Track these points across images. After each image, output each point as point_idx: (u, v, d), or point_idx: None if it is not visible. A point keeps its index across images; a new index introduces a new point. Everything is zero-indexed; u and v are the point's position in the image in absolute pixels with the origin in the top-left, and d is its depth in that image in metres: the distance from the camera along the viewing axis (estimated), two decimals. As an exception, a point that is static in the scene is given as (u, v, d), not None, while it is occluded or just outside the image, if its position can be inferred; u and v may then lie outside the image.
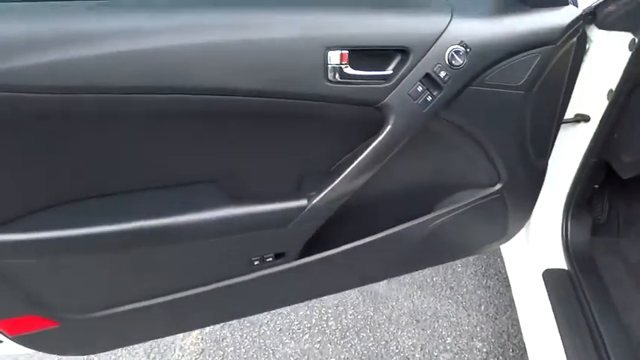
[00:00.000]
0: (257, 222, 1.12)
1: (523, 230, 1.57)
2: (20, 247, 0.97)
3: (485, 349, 1.80)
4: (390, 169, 1.13)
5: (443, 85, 1.00)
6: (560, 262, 1.56)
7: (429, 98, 1.01)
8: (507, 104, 1.11)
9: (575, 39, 1.10)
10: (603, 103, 1.40)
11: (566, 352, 1.36)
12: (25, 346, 1.16)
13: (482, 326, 1.89)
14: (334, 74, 0.95)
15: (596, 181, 1.55)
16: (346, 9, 0.97)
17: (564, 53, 1.13)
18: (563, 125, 1.44)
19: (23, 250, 0.98)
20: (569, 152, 1.54)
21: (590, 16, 1.31)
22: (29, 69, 0.78)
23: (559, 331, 1.42)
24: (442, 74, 0.99)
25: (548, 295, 1.51)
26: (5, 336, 1.12)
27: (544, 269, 1.57)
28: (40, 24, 0.80)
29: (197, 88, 0.88)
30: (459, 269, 2.15)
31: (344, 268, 1.34)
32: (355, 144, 1.14)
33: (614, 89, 1.36)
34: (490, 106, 1.11)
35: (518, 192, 1.34)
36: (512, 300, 2.02)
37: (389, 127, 1.03)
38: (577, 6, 1.17)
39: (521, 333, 1.87)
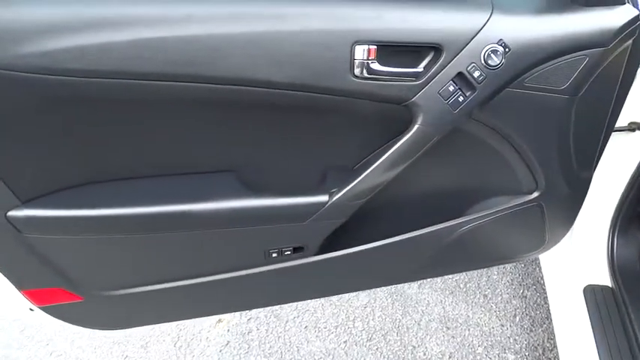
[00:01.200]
0: (276, 215, 1.11)
1: (565, 242, 1.49)
2: (49, 223, 1.00)
3: (517, 363, 1.73)
4: (418, 169, 1.09)
5: (477, 85, 0.95)
6: (604, 279, 1.47)
7: (461, 99, 0.97)
8: (548, 109, 1.04)
9: (630, 41, 1.01)
10: (662, 111, 1.30)
11: None
12: (53, 316, 1.20)
13: (516, 338, 1.81)
14: (361, 70, 0.92)
15: None
16: (377, 2, 0.93)
17: (617, 56, 1.04)
18: (614, 134, 1.34)
19: (51, 226, 1.01)
20: (620, 163, 1.44)
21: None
22: (60, 52, 0.80)
23: (597, 350, 1.34)
24: (476, 74, 0.94)
25: (588, 311, 1.43)
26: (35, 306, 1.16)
27: (585, 284, 1.48)
28: (71, 8, 0.81)
29: (223, 78, 0.88)
30: (495, 277, 2.07)
31: (365, 267, 1.31)
32: (381, 142, 1.10)
33: (674, 97, 1.25)
34: (529, 110, 1.05)
35: (558, 202, 1.26)
36: (550, 313, 1.93)
37: (416, 126, 0.99)
38: (638, 7, 1.08)
39: (556, 348, 1.79)
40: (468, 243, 1.31)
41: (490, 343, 1.79)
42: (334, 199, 1.10)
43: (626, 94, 1.21)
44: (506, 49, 0.94)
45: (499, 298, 1.97)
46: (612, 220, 1.49)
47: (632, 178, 1.42)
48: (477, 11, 0.94)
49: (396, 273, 1.39)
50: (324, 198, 1.11)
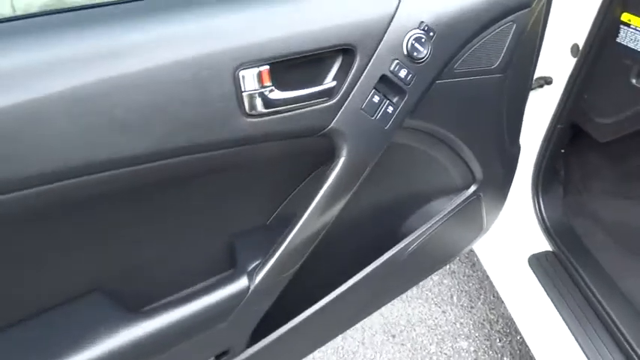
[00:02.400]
0: (182, 330, 0.78)
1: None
2: None
3: (472, 348, 1.63)
4: (349, 200, 0.85)
5: (406, 87, 0.72)
6: (543, 244, 1.40)
7: (391, 109, 0.73)
8: (483, 93, 0.86)
9: None
10: (568, 62, 1.20)
11: (573, 334, 1.22)
12: None
13: (462, 321, 1.71)
14: (253, 104, 0.63)
15: (563, 147, 1.38)
16: (253, 3, 0.64)
17: (537, 15, 0.88)
18: None
19: None
20: (532, 121, 1.34)
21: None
22: None
23: (561, 316, 1.26)
24: (403, 73, 0.71)
25: (540, 281, 1.35)
26: None
27: (529, 255, 1.39)
28: None
29: (37, 176, 0.55)
30: (418, 260, 1.95)
31: (311, 333, 1.05)
32: (297, 183, 0.83)
33: (580, 44, 1.15)
34: (462, 101, 0.85)
35: (494, 185, 1.12)
36: (481, 280, 1.87)
37: (342, 159, 0.73)
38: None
39: (502, 318, 1.73)
40: (419, 258, 1.11)
41: (440, 336, 1.66)
42: (258, 279, 0.80)
43: (539, 52, 1.07)
44: (431, 34, 0.72)
45: (430, 283, 1.85)
46: (533, 181, 1.41)
47: (547, 134, 1.33)
48: None
49: (345, 322, 1.14)
50: (243, 282, 0.81)
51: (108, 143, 0.57)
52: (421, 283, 1.84)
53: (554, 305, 1.29)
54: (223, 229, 0.81)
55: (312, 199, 0.75)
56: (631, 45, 1.06)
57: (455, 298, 1.79)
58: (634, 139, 1.32)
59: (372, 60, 0.69)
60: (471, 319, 1.72)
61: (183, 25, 0.59)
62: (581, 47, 1.15)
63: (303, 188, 0.84)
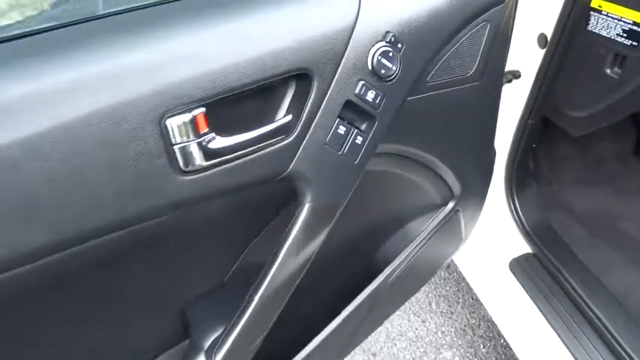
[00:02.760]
0: None
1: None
2: None
3: (456, 358, 1.55)
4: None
5: (375, 112, 0.61)
6: (522, 246, 1.32)
7: (359, 139, 0.61)
8: (458, 106, 0.75)
9: None
10: (536, 54, 1.12)
11: (560, 336, 1.16)
12: None
13: (443, 329, 1.63)
14: (189, 158, 0.50)
15: (535, 142, 1.31)
16: (176, 31, 0.50)
17: (510, 9, 0.78)
18: None
19: None
20: (502, 118, 1.26)
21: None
22: None
23: (547, 319, 1.19)
24: (370, 95, 0.60)
25: (523, 286, 1.27)
26: None
27: (509, 259, 1.31)
28: None
29: None
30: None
31: None
32: (257, 234, 0.71)
33: (549, 34, 1.07)
34: (436, 116, 0.74)
35: (472, 196, 1.03)
36: (458, 282, 1.79)
37: (307, 205, 0.61)
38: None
39: (483, 321, 1.66)
40: (402, 282, 1.01)
41: (422, 349, 1.58)
42: (219, 358, 0.66)
43: (509, 46, 0.98)
44: (399, 45, 0.60)
45: (407, 291, 1.76)
46: (507, 180, 1.33)
47: (517, 131, 1.25)
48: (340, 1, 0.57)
49: (334, 358, 1.03)
50: None
51: (13, 234, 0.43)
52: (397, 293, 1.75)
53: (539, 309, 1.22)
54: (173, 299, 0.68)
55: (277, 253, 0.62)
56: (603, 32, 0.98)
57: (434, 304, 1.71)
58: (604, 127, 1.27)
59: (332, 84, 0.57)
60: (452, 326, 1.64)
61: (87, 65, 0.45)
62: (549, 38, 1.06)
63: (262, 239, 0.71)
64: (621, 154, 1.70)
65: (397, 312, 1.69)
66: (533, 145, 1.32)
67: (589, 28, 1.00)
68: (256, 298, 0.63)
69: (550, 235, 1.32)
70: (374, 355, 1.57)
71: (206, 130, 0.49)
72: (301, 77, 0.56)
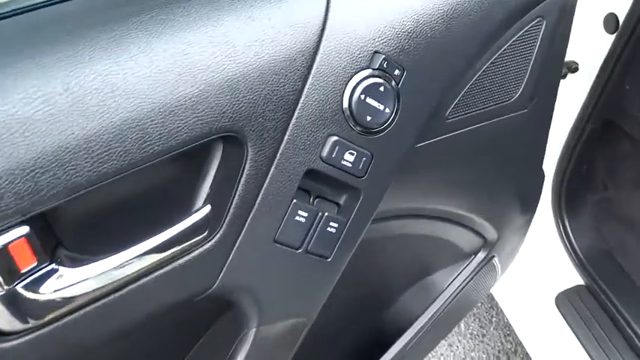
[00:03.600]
0: None
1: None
2: None
3: (488, 392, 1.34)
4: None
5: (358, 182, 0.39)
6: (573, 277, 1.08)
7: (333, 226, 0.39)
8: (496, 143, 0.52)
9: None
10: (602, 40, 0.85)
11: None
12: None
13: (472, 355, 1.41)
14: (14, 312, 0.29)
15: (592, 151, 1.04)
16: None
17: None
18: None
19: None
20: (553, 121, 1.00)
21: None
22: None
23: None
24: (349, 158, 0.37)
25: (571, 326, 1.04)
26: None
27: (556, 294, 1.07)
28: None
29: None
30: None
31: None
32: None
33: (620, 15, 0.80)
34: (461, 163, 0.51)
35: (511, 236, 0.79)
36: (491, 298, 1.56)
37: (252, 332, 0.40)
38: None
39: (520, 347, 1.43)
40: (430, 335, 0.80)
41: (448, 380, 1.37)
42: None
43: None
44: (397, 72, 0.37)
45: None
46: (555, 203, 1.08)
47: (570, 139, 0.99)
48: (294, 7, 0.34)
49: None
50: None
51: None
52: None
53: (589, 354, 0.99)
54: None
55: None
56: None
57: (462, 325, 1.49)
58: None
59: (281, 148, 0.34)
60: (483, 352, 1.42)
61: None
62: (621, 20, 0.79)
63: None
64: None
65: (420, 334, 1.48)
66: (593, 153, 1.05)
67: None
68: None
69: (606, 261, 1.07)
70: (392, 385, 1.37)
71: (33, 264, 0.28)
72: (229, 141, 0.33)
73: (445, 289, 0.71)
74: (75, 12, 0.31)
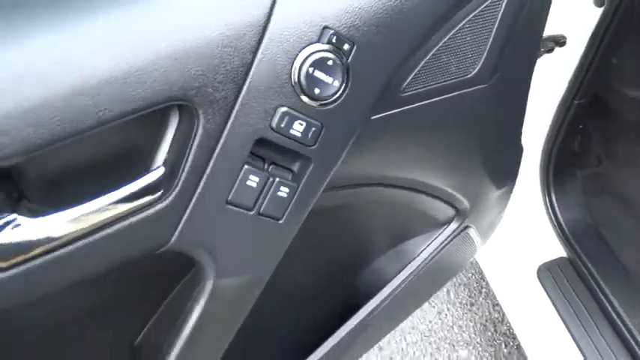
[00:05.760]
0: None
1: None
2: None
3: (473, 358, 1.38)
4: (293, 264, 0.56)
5: (307, 150, 0.41)
6: (556, 250, 1.10)
7: (284, 191, 0.41)
8: (455, 117, 0.53)
9: None
10: (589, 13, 0.84)
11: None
12: None
13: (460, 323, 1.46)
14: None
15: (581, 125, 1.05)
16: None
17: None
18: None
19: None
20: (539, 97, 1.00)
21: None
22: None
23: (575, 340, 1.00)
24: (298, 128, 0.39)
25: (551, 298, 1.07)
26: None
27: (538, 265, 1.10)
28: None
29: None
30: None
31: None
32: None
33: (609, -12, 0.79)
34: (421, 133, 0.53)
35: (488, 208, 0.81)
36: (482, 270, 1.59)
37: (208, 285, 0.43)
38: None
39: (506, 316, 1.47)
40: (402, 301, 0.84)
41: (435, 345, 1.42)
42: None
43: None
44: (346, 47, 0.39)
45: (423, 276, 1.58)
46: (543, 175, 1.09)
47: (558, 114, 1.00)
48: None
49: None
50: None
51: None
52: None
53: (567, 326, 1.02)
54: None
55: (173, 341, 0.45)
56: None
57: (452, 294, 1.53)
58: None
59: (232, 116, 0.37)
60: (471, 320, 1.46)
61: None
62: (608, -8, 0.79)
63: (162, 317, 0.54)
64: None
65: (410, 301, 1.52)
66: (580, 126, 1.06)
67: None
68: None
69: (591, 236, 1.09)
70: (381, 349, 1.42)
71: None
72: (183, 109, 0.36)
73: (417, 256, 0.74)
74: None
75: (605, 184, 1.26)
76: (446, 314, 1.48)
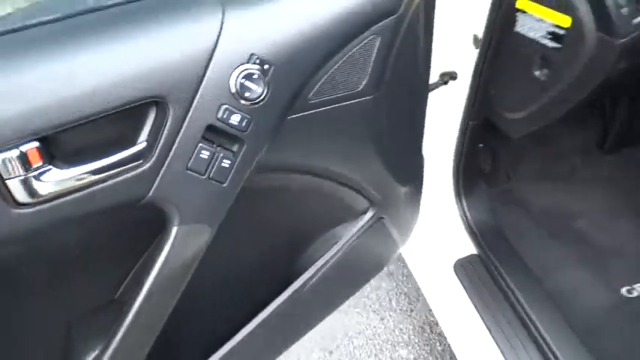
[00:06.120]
0: None
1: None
2: None
3: (412, 356, 1.55)
4: (220, 248, 0.73)
5: (242, 134, 0.60)
6: (469, 247, 1.31)
7: (226, 162, 0.61)
8: (352, 120, 0.74)
9: None
10: (471, 54, 1.09)
11: (496, 343, 1.14)
12: None
13: (401, 327, 1.63)
14: (23, 191, 0.51)
15: (480, 142, 1.28)
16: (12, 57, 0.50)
17: (413, 17, 0.75)
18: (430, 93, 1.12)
19: None
20: (445, 119, 1.24)
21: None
22: None
23: (485, 324, 1.18)
24: (235, 119, 0.59)
25: (465, 288, 1.26)
26: None
27: (454, 262, 1.30)
28: None
29: None
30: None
31: None
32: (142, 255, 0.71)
33: (480, 35, 1.05)
34: (329, 131, 0.73)
35: (399, 204, 1.01)
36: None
37: (174, 229, 0.60)
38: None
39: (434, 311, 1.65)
40: (327, 288, 1.00)
41: (378, 347, 1.58)
42: None
43: (431, 52, 0.95)
44: (266, 67, 0.59)
45: (368, 289, 1.76)
46: (455, 184, 1.31)
47: (461, 132, 1.23)
48: (200, 21, 0.56)
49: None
50: None
51: None
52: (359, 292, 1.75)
53: (478, 313, 1.21)
54: (55, 321, 0.68)
55: (147, 274, 0.62)
56: (530, 34, 0.95)
57: (394, 302, 1.71)
58: (568, 119, 1.24)
59: (191, 110, 0.56)
60: (410, 324, 1.64)
61: None
62: (480, 38, 1.04)
63: (146, 259, 0.71)
64: (585, 148, 1.67)
65: (356, 309, 1.69)
66: (480, 145, 1.30)
67: (516, 29, 0.97)
68: (129, 319, 0.63)
69: (496, 235, 1.30)
70: (330, 352, 1.58)
71: (39, 163, 0.49)
72: (159, 105, 0.55)
73: (338, 241, 0.92)
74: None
75: (508, 193, 1.50)
76: (388, 320, 1.65)
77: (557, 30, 0.90)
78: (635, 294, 1.27)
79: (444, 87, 1.16)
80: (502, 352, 1.10)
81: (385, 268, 1.82)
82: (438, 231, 1.36)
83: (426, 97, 0.97)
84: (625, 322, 1.22)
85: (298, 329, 1.04)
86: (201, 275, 0.72)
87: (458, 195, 1.32)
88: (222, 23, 0.57)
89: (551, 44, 0.92)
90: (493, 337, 1.15)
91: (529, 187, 1.56)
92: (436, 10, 1.04)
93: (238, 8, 0.59)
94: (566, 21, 0.88)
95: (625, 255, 1.38)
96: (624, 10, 0.81)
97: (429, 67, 0.92)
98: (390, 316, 1.67)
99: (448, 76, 1.14)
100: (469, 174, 1.31)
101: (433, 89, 1.12)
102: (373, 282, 1.78)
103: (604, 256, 1.38)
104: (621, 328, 1.20)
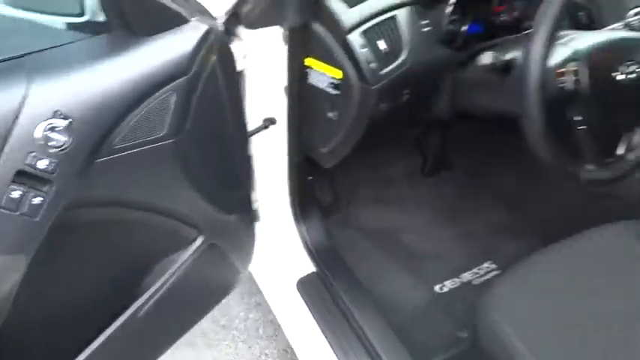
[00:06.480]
0: None
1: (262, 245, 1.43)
2: None
3: (277, 376, 1.68)
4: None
5: (51, 176, 0.74)
6: (309, 266, 1.50)
7: (37, 200, 0.74)
8: (159, 160, 0.89)
9: (215, 57, 0.93)
10: (284, 103, 1.32)
11: (335, 354, 1.29)
12: None
13: (267, 352, 1.76)
14: None
15: (308, 174, 1.50)
16: None
17: (210, 75, 0.94)
18: (255, 137, 1.32)
19: None
20: (275, 157, 1.44)
21: (235, 19, 1.17)
22: None
23: (325, 337, 1.34)
24: (43, 164, 0.72)
25: (307, 306, 1.43)
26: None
27: (297, 280, 1.48)
28: None
29: None
30: (224, 300, 1.96)
31: None
32: None
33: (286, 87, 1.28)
34: (139, 170, 0.88)
35: (230, 232, 1.17)
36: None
37: None
38: (213, 17, 1.00)
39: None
40: (162, 315, 1.11)
41: (245, 374, 1.69)
42: None
43: (241, 101, 1.16)
44: (68, 120, 0.74)
45: (237, 321, 1.87)
46: (293, 212, 1.51)
47: (289, 167, 1.44)
48: (7, 90, 0.70)
49: None
50: None
51: None
52: (226, 324, 1.86)
53: (319, 326, 1.34)
54: None
55: None
56: (319, 85, 1.20)
57: (261, 330, 1.84)
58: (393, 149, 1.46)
59: (1, 160, 0.69)
60: (275, 348, 1.77)
61: None
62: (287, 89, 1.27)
63: None
64: (409, 173, 1.97)
65: (225, 342, 1.79)
66: (310, 178, 1.52)
67: (309, 81, 1.21)
68: None
69: (331, 254, 1.51)
70: (200, 386, 1.65)
71: None
72: None
73: (168, 270, 1.05)
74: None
75: (347, 217, 1.74)
76: (255, 347, 1.78)
77: (335, 81, 1.15)
78: (445, 289, 1.54)
79: (266, 131, 1.37)
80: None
81: (253, 300, 1.95)
82: (281, 252, 1.54)
83: (245, 139, 1.16)
84: (437, 315, 1.47)
85: (143, 355, 1.14)
86: (28, 312, 0.82)
87: (297, 221, 1.51)
88: (27, 89, 0.71)
89: (333, 92, 1.17)
90: (333, 349, 1.30)
91: (365, 211, 1.81)
92: (254, 65, 1.28)
93: (45, 77, 0.74)
94: (339, 74, 1.13)
95: (441, 258, 1.66)
96: (373, 65, 1.08)
97: (242, 113, 1.12)
98: (257, 343, 1.79)
99: (269, 121, 1.35)
100: (304, 203, 1.51)
101: (256, 133, 1.32)
102: (242, 314, 1.90)
103: (425, 261, 1.65)
104: (433, 320, 1.45)
